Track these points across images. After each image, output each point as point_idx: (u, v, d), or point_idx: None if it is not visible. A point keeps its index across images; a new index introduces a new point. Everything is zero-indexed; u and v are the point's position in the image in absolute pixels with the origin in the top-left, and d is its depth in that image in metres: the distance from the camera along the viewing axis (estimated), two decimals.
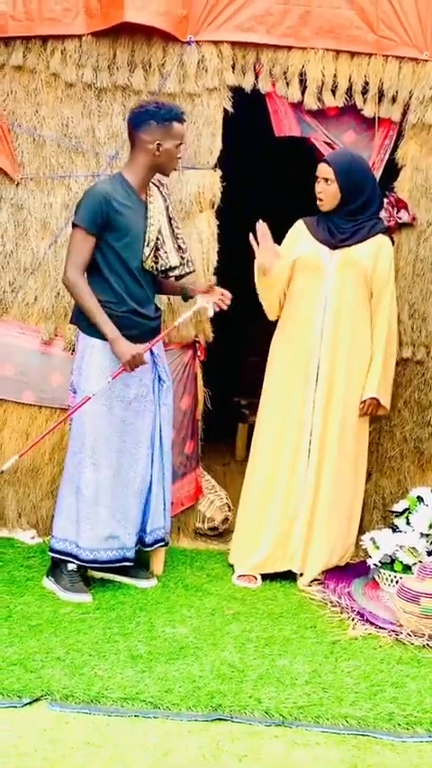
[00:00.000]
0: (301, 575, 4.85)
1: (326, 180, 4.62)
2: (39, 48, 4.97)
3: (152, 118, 4.38)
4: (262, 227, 4.62)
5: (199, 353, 5.21)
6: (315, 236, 4.72)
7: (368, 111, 5.00)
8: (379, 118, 5.01)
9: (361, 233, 4.66)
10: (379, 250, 4.67)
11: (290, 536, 4.84)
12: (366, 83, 4.96)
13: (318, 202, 4.69)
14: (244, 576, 4.84)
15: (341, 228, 4.67)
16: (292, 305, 4.80)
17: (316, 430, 4.76)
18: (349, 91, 4.98)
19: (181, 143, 4.47)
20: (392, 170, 5.09)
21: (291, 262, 4.73)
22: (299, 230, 4.80)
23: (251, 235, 4.63)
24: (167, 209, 4.62)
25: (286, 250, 4.76)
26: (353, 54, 4.94)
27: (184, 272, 4.67)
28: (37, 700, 3.50)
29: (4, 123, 5.03)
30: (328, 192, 4.63)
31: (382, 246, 4.69)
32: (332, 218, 4.69)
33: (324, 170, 4.62)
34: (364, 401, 4.76)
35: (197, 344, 5.19)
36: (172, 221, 4.63)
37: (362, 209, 4.66)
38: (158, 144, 4.39)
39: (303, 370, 4.76)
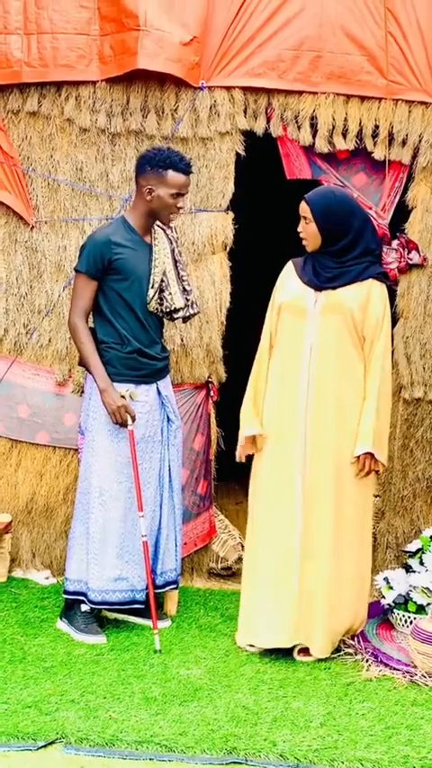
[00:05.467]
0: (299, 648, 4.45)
1: (305, 219, 4.40)
2: (53, 94, 5.06)
3: (148, 163, 4.44)
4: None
5: (212, 393, 5.24)
6: (301, 277, 4.46)
7: (378, 154, 5.04)
8: (389, 161, 5.05)
9: (348, 276, 4.37)
10: (369, 295, 4.36)
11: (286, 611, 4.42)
12: (377, 126, 5.01)
13: (302, 242, 4.48)
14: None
15: (326, 269, 4.40)
16: (279, 350, 4.50)
17: (307, 489, 4.39)
18: (360, 134, 5.03)
19: (179, 193, 4.45)
20: (403, 212, 5.13)
21: (277, 307, 4.50)
22: (288, 272, 4.56)
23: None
24: (173, 251, 4.64)
25: (277, 294, 4.54)
26: (363, 98, 4.99)
27: (188, 314, 4.69)
28: (52, 743, 3.51)
29: (19, 168, 5.10)
30: (307, 231, 4.40)
31: (373, 291, 4.37)
32: (318, 259, 4.44)
33: (302, 208, 4.40)
34: (358, 457, 4.36)
35: (210, 385, 5.23)
36: (178, 264, 4.65)
37: (346, 251, 4.38)
38: (150, 189, 4.43)
39: (290, 421, 4.42)
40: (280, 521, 4.43)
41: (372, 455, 4.35)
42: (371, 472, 4.41)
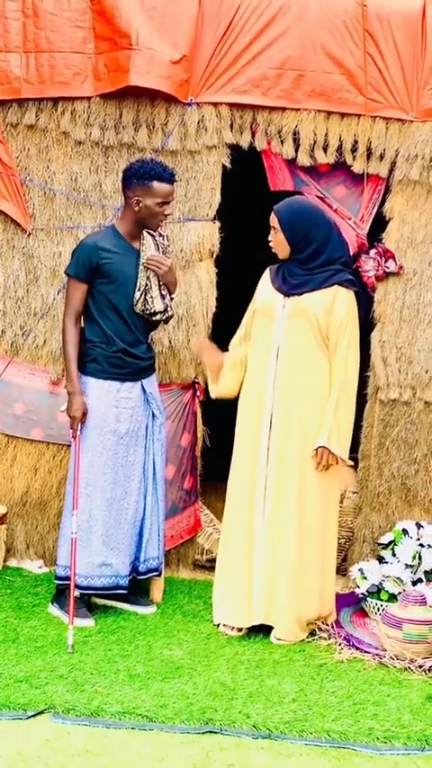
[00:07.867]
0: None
1: (274, 229, 4.65)
2: (50, 108, 5.31)
3: (133, 176, 4.69)
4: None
5: (198, 393, 5.48)
6: (273, 283, 4.72)
7: (357, 167, 5.28)
8: (367, 174, 5.29)
9: (314, 282, 4.61)
10: (334, 300, 4.59)
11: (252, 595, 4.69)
12: (356, 141, 5.24)
13: (272, 251, 4.74)
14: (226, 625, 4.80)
15: (294, 276, 4.64)
16: (251, 352, 4.78)
17: (270, 482, 4.64)
18: (340, 149, 5.26)
19: (165, 202, 4.70)
20: (381, 222, 5.38)
21: (252, 311, 4.82)
22: (264, 278, 4.82)
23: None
24: None
25: (256, 295, 4.83)
26: (343, 115, 5.23)
27: (166, 317, 4.90)
28: (41, 712, 3.74)
29: (17, 178, 5.36)
30: (276, 241, 4.66)
31: (338, 296, 4.59)
32: (288, 266, 4.69)
33: (271, 218, 4.65)
34: (317, 450, 4.60)
35: (196, 385, 5.47)
36: None
37: (312, 258, 4.62)
38: (137, 200, 4.68)
39: (256, 421, 4.69)
40: (247, 510, 4.71)
41: (329, 450, 4.58)
42: (329, 466, 4.62)
